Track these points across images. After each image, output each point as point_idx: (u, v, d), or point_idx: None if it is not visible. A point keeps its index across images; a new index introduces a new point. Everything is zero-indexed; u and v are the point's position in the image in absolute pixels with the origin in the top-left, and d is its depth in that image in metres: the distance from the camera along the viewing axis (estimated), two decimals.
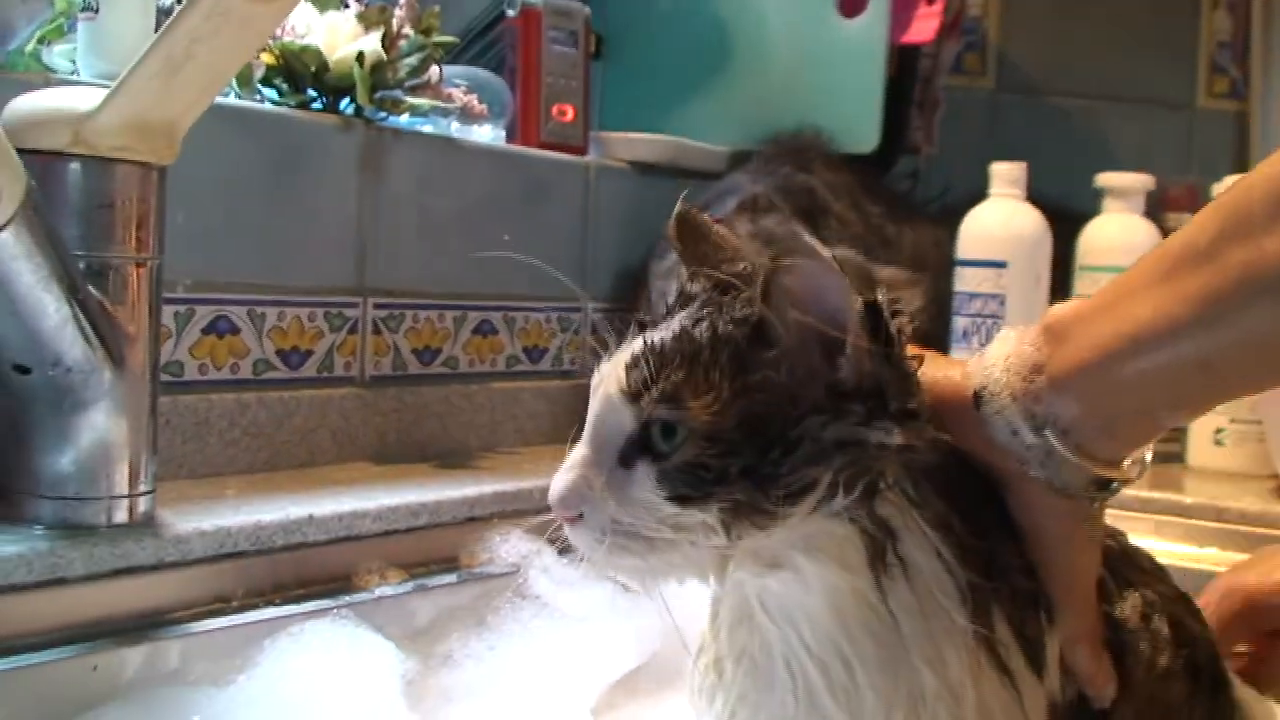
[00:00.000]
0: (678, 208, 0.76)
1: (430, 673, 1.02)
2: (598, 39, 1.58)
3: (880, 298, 0.65)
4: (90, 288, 0.89)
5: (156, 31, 0.88)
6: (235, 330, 1.14)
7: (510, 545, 1.13)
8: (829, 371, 0.65)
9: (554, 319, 1.46)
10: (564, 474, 0.69)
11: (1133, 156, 2.07)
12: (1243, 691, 0.81)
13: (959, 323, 1.47)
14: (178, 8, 0.86)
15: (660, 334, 0.68)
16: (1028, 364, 0.67)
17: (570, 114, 1.49)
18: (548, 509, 1.16)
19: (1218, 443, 1.50)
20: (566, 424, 1.39)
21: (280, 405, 1.17)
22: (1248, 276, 0.59)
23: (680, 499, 0.66)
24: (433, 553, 1.10)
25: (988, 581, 0.66)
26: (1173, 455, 1.59)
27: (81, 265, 0.88)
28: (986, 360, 0.68)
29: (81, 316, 0.87)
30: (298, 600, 0.98)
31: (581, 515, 0.68)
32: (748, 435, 0.65)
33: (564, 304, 1.47)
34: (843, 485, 0.64)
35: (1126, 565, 0.75)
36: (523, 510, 1.16)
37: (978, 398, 0.67)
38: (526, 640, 1.08)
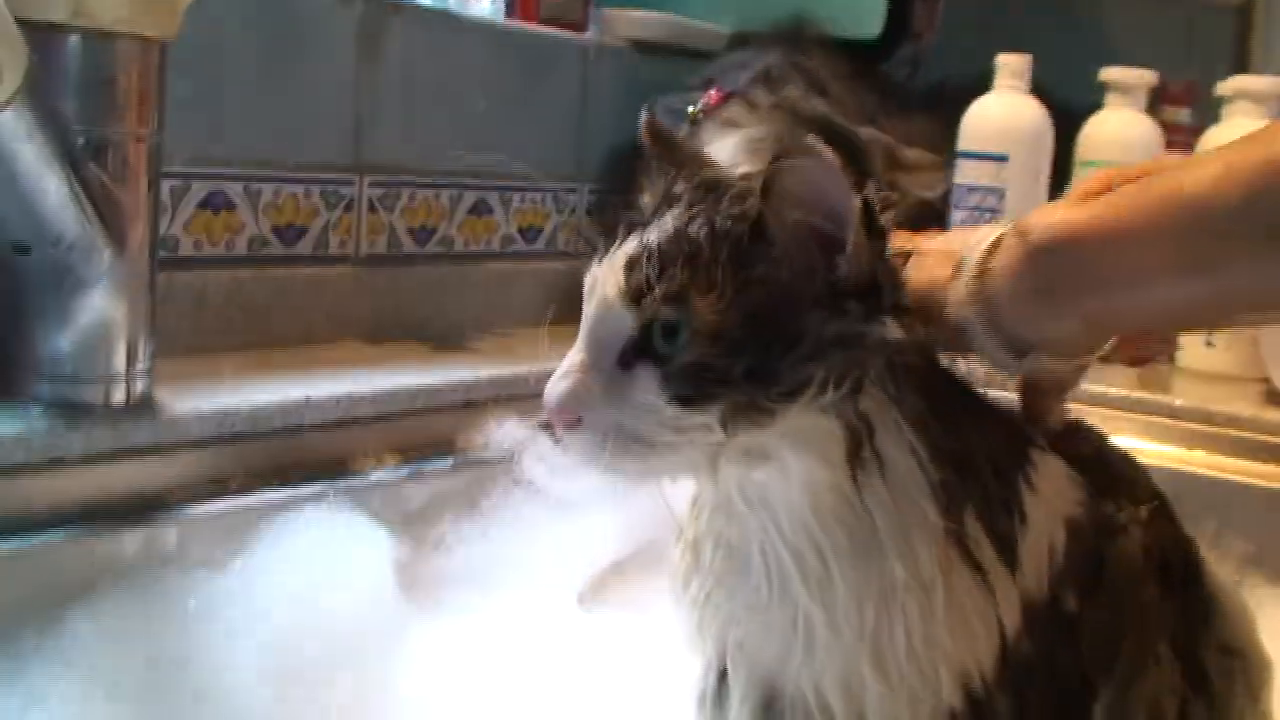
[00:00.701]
0: (644, 116, 0.76)
1: (423, 557, 1.02)
2: None
3: (872, 193, 0.65)
4: (91, 164, 0.87)
5: None
6: (231, 206, 1.13)
7: (505, 431, 1.13)
8: (827, 269, 0.65)
9: (549, 199, 1.44)
10: (560, 379, 0.68)
11: (1133, 50, 2.04)
12: (1213, 581, 0.83)
13: (956, 215, 1.47)
14: None
15: (655, 234, 0.67)
16: (1008, 291, 0.66)
17: None
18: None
19: (1209, 344, 1.50)
20: (561, 307, 1.38)
21: (275, 283, 1.16)
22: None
23: (684, 400, 0.65)
24: (429, 437, 1.09)
25: (960, 480, 0.67)
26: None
27: (81, 141, 0.87)
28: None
29: (82, 194, 0.86)
30: (294, 483, 0.98)
31: (580, 420, 0.68)
32: (750, 334, 0.64)
33: (561, 184, 1.45)
34: (833, 381, 0.64)
35: (1100, 470, 0.75)
36: (519, 395, 1.16)
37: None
38: (519, 526, 1.08)
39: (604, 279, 0.68)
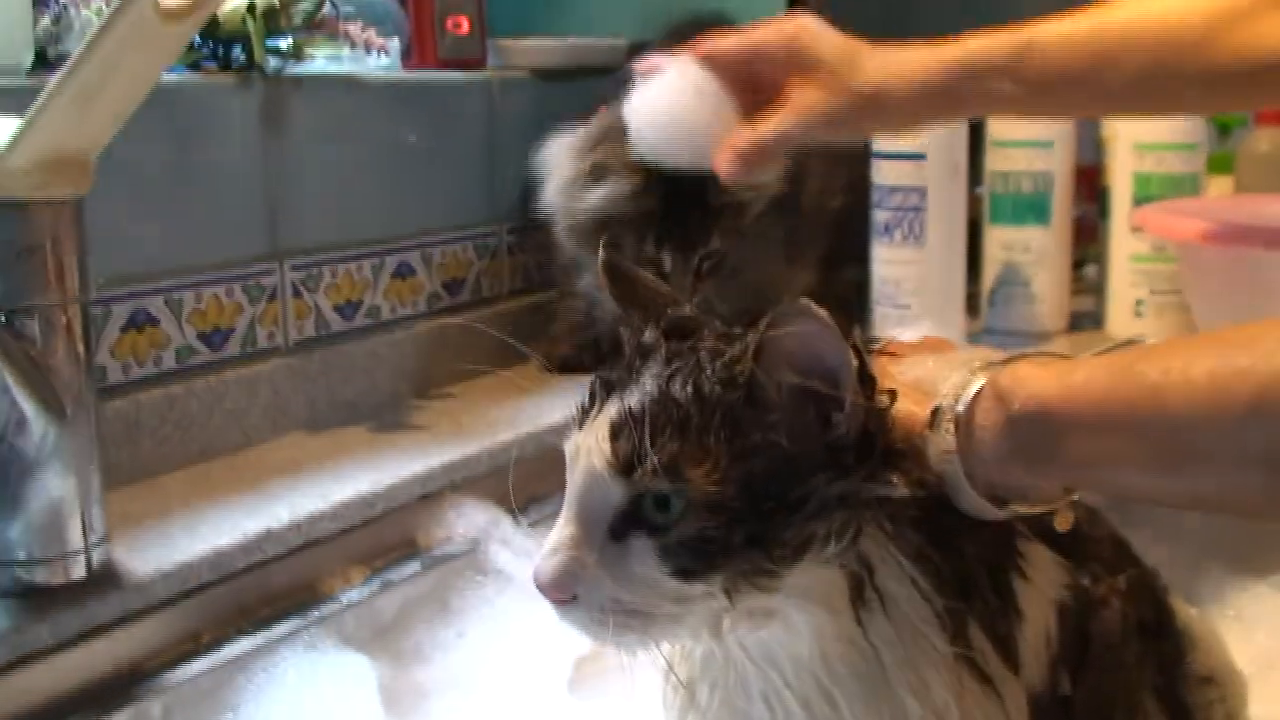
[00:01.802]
0: (602, 254, 0.74)
1: (403, 671, 1.01)
2: None
3: (859, 340, 0.64)
4: (20, 343, 0.82)
5: None
6: (154, 322, 1.08)
7: (467, 519, 1.11)
8: (824, 428, 0.64)
9: (470, 248, 1.41)
10: (551, 556, 0.66)
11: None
12: (1181, 615, 0.84)
13: (880, 216, 1.46)
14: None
15: (636, 397, 0.65)
16: (990, 455, 0.65)
17: (465, 25, 1.42)
18: (499, 471, 1.15)
19: (1138, 314, 1.52)
20: (493, 354, 1.37)
21: (208, 391, 1.12)
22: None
23: (684, 573, 0.64)
24: (391, 540, 1.07)
25: (965, 603, 0.67)
26: (1090, 317, 1.61)
27: (3, 320, 0.82)
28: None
29: (17, 382, 0.82)
30: (266, 624, 0.95)
31: (575, 597, 0.66)
32: (749, 501, 0.64)
33: (478, 230, 1.42)
34: (834, 534, 0.64)
35: (1071, 539, 0.75)
36: (473, 477, 1.14)
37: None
38: (493, 620, 1.07)
39: (588, 449, 0.66)
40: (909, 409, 0.67)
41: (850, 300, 1.51)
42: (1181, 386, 0.59)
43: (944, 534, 0.67)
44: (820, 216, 1.51)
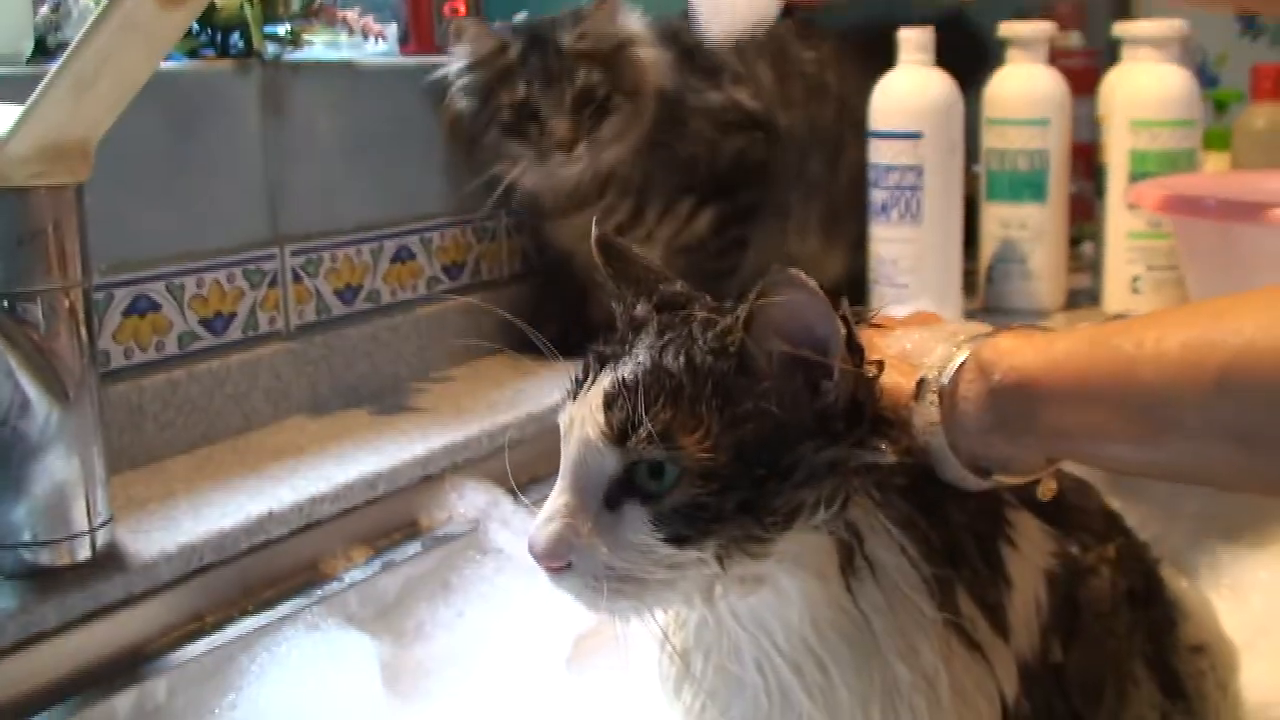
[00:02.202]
0: (594, 233, 0.75)
1: (404, 650, 1.02)
2: None
3: (847, 310, 0.65)
4: (24, 327, 0.84)
5: None
6: (156, 307, 1.09)
7: (467, 500, 1.12)
8: (814, 396, 0.65)
9: (469, 231, 1.41)
10: (546, 524, 0.67)
11: None
12: (1172, 586, 0.85)
13: (877, 195, 1.46)
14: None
15: (630, 368, 0.66)
16: (974, 425, 0.66)
17: (462, 8, 1.43)
18: (498, 451, 1.16)
19: (1135, 290, 1.52)
20: (494, 335, 1.38)
21: (210, 375, 1.13)
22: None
23: (678, 540, 0.65)
24: (393, 521, 1.08)
25: (953, 570, 0.68)
26: (1087, 294, 1.62)
27: (7, 305, 0.83)
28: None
29: (20, 366, 0.83)
30: (269, 605, 0.96)
31: (569, 565, 0.67)
32: (741, 468, 0.65)
33: (478, 214, 1.42)
34: (824, 501, 0.65)
35: (1060, 508, 0.76)
36: (474, 458, 1.15)
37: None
38: (493, 598, 1.08)
39: (582, 418, 0.68)
40: (896, 380, 0.68)
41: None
42: (1155, 359, 0.60)
43: (932, 502, 0.68)
44: (857, 193, 1.51)
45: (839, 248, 1.53)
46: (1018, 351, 0.65)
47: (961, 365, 0.66)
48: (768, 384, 0.65)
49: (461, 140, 1.38)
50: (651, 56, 1.38)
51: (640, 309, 0.72)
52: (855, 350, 0.66)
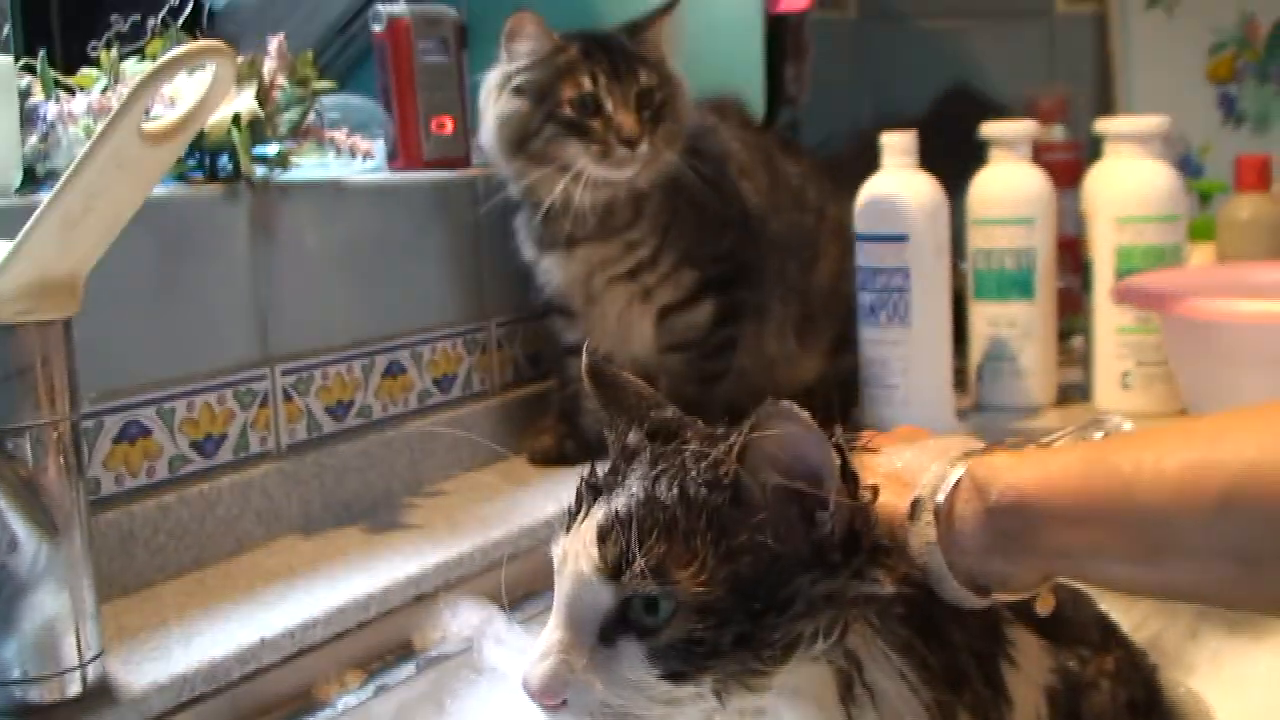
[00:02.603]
0: (585, 359, 0.75)
1: None
2: (461, 28, 1.51)
3: (841, 438, 0.65)
4: (12, 463, 0.83)
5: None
6: (147, 432, 1.09)
7: (461, 618, 1.11)
8: (809, 527, 0.65)
9: (460, 343, 1.42)
10: (540, 660, 0.67)
11: (1001, 69, 2.08)
12: (1171, 694, 0.85)
13: (865, 298, 1.47)
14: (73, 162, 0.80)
15: (623, 500, 0.66)
16: (971, 546, 0.66)
17: (450, 125, 1.44)
18: (492, 567, 1.15)
19: (1125, 386, 1.53)
20: (485, 448, 1.38)
21: (201, 499, 1.13)
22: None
23: (674, 676, 0.65)
24: (386, 644, 1.07)
25: (954, 694, 0.67)
26: (1078, 389, 1.62)
27: None
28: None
29: (8, 504, 0.82)
30: None
31: (565, 703, 0.67)
32: (738, 602, 0.65)
33: (468, 325, 1.43)
34: (822, 631, 0.65)
35: (1057, 622, 0.75)
36: (468, 576, 1.15)
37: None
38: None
39: (576, 553, 0.67)
40: (890, 502, 0.68)
41: (855, 384, 1.52)
42: (1153, 480, 0.61)
43: (931, 624, 0.68)
44: (833, 301, 1.52)
45: (813, 352, 1.54)
46: (1013, 469, 0.65)
47: (956, 483, 0.67)
48: (763, 516, 0.65)
49: (509, 146, 1.36)
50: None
51: (632, 437, 0.73)
52: (850, 479, 0.66)
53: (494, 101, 1.36)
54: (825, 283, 1.53)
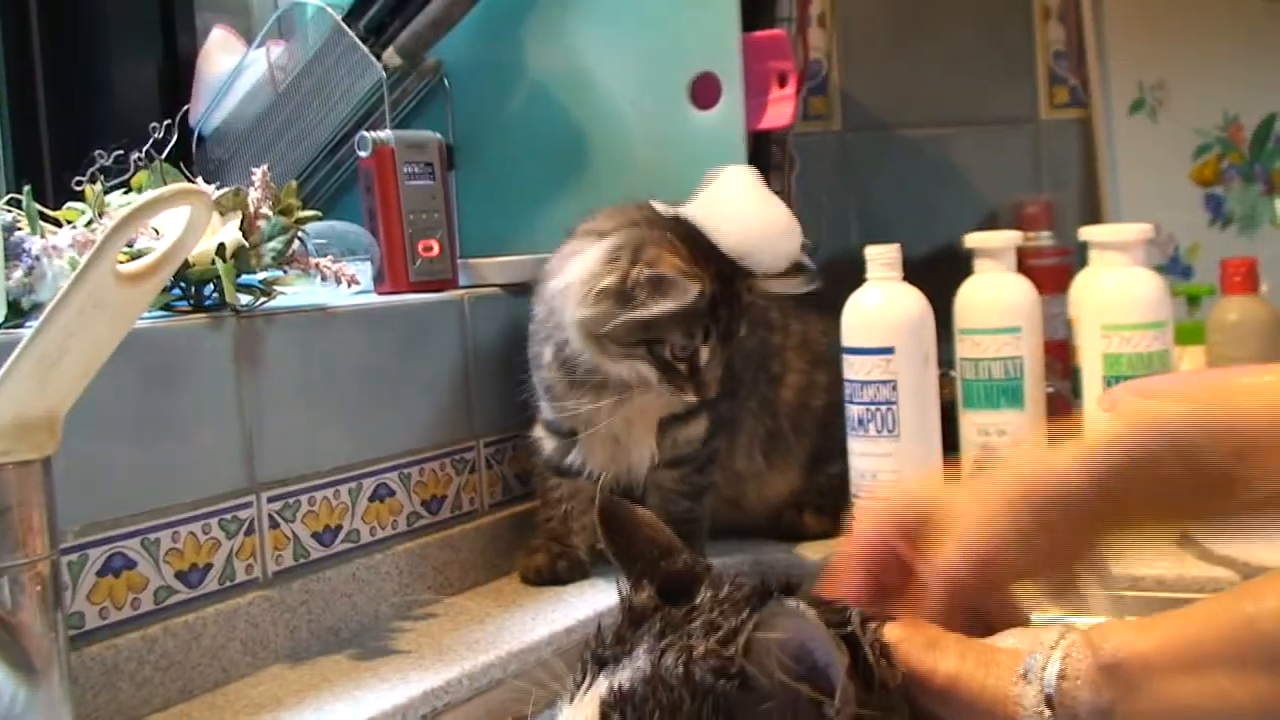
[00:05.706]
0: (598, 500, 0.75)
1: None
2: (448, 150, 1.53)
3: (856, 627, 0.64)
4: None
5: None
6: (131, 565, 1.09)
7: None
8: (820, 714, 0.64)
9: (448, 464, 1.42)
10: None
11: (986, 177, 2.10)
12: None
13: (853, 411, 1.47)
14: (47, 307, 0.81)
15: (628, 674, 0.66)
16: (1087, 705, 0.65)
17: (436, 248, 1.45)
18: (480, 692, 1.14)
19: None
20: (473, 568, 1.37)
21: (187, 630, 1.12)
22: None
23: None
24: None
25: None
26: None
27: None
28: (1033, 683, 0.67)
29: None
30: None
31: None
32: None
33: (456, 446, 1.43)
34: None
35: None
36: (454, 702, 1.14)
37: None
38: None
39: None
40: (982, 681, 0.68)
41: (837, 497, 1.51)
42: (1265, 603, 0.61)
43: None
44: (803, 416, 1.52)
45: (782, 471, 1.53)
46: (1121, 631, 0.66)
47: (1070, 646, 0.67)
48: (771, 704, 0.64)
49: (591, 337, 1.29)
50: None
51: (641, 597, 0.71)
52: (864, 668, 0.65)
53: (597, 295, 1.27)
54: (792, 399, 1.52)
